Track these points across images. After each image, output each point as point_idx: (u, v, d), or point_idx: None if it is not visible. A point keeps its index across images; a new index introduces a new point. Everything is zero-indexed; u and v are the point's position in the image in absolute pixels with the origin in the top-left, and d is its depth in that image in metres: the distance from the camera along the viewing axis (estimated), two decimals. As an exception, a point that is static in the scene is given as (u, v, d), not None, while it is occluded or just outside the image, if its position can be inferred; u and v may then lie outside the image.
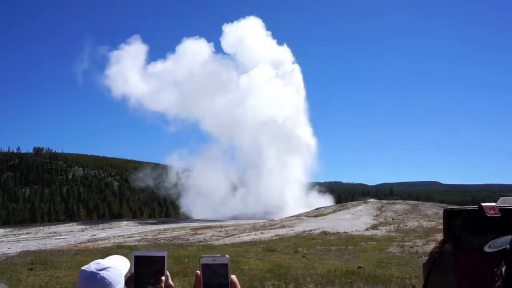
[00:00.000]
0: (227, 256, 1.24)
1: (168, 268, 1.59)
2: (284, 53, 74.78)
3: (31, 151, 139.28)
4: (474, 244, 1.03)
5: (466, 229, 1.09)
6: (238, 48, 74.62)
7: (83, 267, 1.48)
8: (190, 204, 66.65)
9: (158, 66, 79.96)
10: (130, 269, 1.52)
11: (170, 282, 1.60)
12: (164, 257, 1.57)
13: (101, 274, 1.43)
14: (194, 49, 76.67)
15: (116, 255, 1.60)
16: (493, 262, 0.84)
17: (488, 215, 1.04)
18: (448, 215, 1.12)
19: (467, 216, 1.11)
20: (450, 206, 1.36)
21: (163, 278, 1.56)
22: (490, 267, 0.85)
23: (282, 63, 72.22)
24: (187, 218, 56.50)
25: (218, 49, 78.95)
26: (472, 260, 0.99)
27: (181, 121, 76.91)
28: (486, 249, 0.90)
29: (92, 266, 1.46)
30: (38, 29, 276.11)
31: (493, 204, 1.08)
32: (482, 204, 1.07)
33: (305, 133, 65.64)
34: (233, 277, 1.23)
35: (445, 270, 1.09)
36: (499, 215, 0.99)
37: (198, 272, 1.25)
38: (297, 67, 71.57)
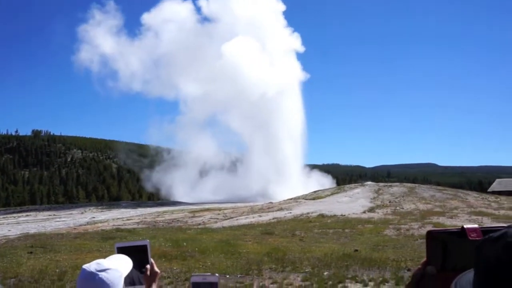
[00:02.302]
0: (217, 274, 1.28)
1: (152, 256, 1.65)
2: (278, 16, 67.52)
3: (29, 133, 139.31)
4: (457, 265, 1.03)
5: (449, 251, 1.09)
6: (221, 12, 68.08)
7: (84, 266, 1.49)
8: (183, 186, 66.37)
9: (147, 42, 74.44)
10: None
11: (156, 269, 1.65)
12: (146, 245, 1.63)
13: (100, 276, 1.43)
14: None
15: (119, 254, 1.61)
16: None
17: (471, 238, 1.05)
18: (431, 237, 1.13)
19: (450, 237, 1.10)
20: (433, 228, 1.37)
21: (148, 266, 1.62)
22: None
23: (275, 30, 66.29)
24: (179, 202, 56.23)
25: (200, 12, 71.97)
26: None
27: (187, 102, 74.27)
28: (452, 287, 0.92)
29: (92, 266, 1.46)
30: (35, 9, 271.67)
31: (476, 226, 1.08)
32: (465, 226, 1.08)
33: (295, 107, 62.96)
34: None
35: None
36: (481, 238, 1.00)
37: None
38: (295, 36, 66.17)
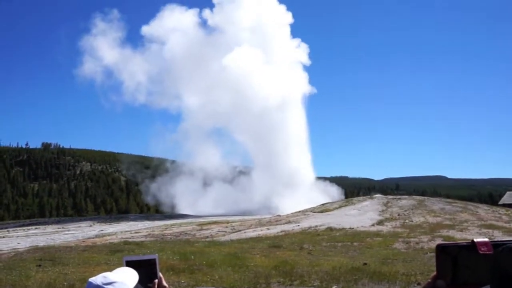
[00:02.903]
0: None
1: (160, 269, 1.65)
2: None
3: (39, 146, 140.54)
4: (468, 279, 1.03)
5: (459, 265, 1.09)
6: (226, 23, 67.64)
7: (90, 279, 1.49)
8: (187, 199, 66.08)
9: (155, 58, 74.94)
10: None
11: (164, 284, 1.65)
12: (155, 259, 1.63)
13: None
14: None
15: (126, 267, 1.62)
16: None
17: (481, 252, 1.04)
18: (441, 250, 1.12)
19: (460, 251, 1.10)
20: (443, 242, 1.36)
21: (156, 281, 1.62)
22: None
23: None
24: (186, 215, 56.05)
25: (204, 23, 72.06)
26: None
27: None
28: None
29: (98, 279, 1.46)
30: (39, 24, 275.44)
31: (486, 240, 1.08)
32: (475, 240, 1.08)
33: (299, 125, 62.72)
34: None
35: None
36: (491, 252, 1.00)
37: None
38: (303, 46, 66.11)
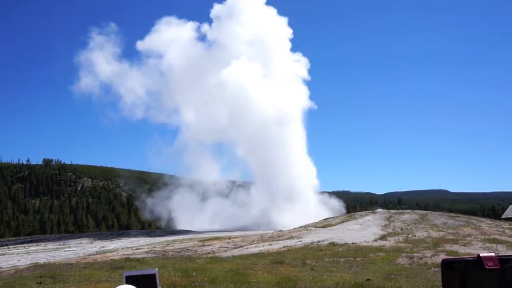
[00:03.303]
0: None
1: (161, 284, 1.65)
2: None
3: (40, 162, 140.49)
4: None
5: (465, 280, 1.07)
6: (224, 34, 67.68)
7: None
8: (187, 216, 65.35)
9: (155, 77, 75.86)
10: None
11: None
12: (155, 274, 1.63)
13: None
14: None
15: (126, 283, 1.63)
16: None
17: (487, 267, 1.03)
18: (446, 266, 1.11)
19: (466, 266, 1.08)
20: (448, 257, 1.35)
21: None
22: None
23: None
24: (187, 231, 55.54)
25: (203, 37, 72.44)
26: None
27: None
28: None
29: None
30: (39, 39, 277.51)
31: (492, 255, 1.07)
32: (481, 255, 1.07)
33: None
34: None
35: None
36: (498, 267, 0.99)
37: None
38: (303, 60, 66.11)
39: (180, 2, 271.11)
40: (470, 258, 1.12)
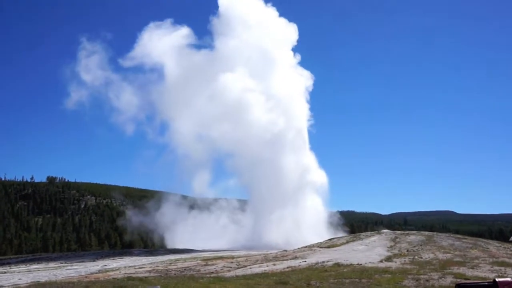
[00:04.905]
0: None
1: None
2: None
3: (44, 180, 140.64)
4: None
5: None
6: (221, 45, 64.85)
7: None
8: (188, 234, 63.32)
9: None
10: None
11: None
12: None
13: None
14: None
15: None
16: None
17: None
18: None
19: None
20: (462, 281, 1.28)
21: None
22: None
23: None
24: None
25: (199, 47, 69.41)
26: None
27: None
28: None
29: None
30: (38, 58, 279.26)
31: (508, 280, 1.01)
32: (497, 279, 1.01)
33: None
34: None
35: None
36: None
37: None
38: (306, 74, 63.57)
39: (174, 10, 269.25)
40: (486, 283, 1.05)
